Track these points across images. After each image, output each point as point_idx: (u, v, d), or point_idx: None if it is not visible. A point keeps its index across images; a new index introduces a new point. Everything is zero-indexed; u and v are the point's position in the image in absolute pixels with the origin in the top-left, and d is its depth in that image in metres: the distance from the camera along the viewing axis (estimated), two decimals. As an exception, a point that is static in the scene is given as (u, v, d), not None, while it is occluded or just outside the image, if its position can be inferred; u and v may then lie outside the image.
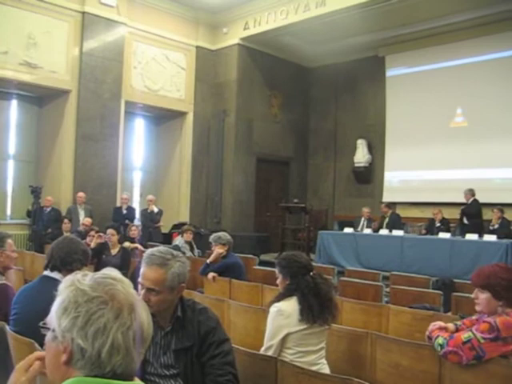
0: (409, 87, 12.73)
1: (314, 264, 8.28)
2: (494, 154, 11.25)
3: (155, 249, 2.46)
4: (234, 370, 2.36)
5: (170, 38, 12.61)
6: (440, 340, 2.80)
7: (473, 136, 11.56)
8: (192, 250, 8.44)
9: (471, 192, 10.06)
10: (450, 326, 3.01)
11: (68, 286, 1.25)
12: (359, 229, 10.97)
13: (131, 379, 1.23)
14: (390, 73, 13.20)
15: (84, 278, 1.27)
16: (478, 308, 2.88)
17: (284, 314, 3.05)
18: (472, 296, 2.93)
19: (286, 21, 11.87)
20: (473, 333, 2.69)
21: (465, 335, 2.72)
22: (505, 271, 2.83)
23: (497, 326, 2.65)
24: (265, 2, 12.10)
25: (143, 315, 1.27)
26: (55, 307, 1.24)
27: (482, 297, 2.82)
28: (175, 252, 2.44)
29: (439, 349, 2.78)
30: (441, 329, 2.92)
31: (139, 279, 2.37)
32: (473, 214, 9.89)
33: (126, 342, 1.20)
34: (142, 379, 2.06)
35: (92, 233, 7.42)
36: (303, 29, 12.13)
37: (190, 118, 13.09)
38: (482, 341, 2.64)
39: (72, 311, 1.20)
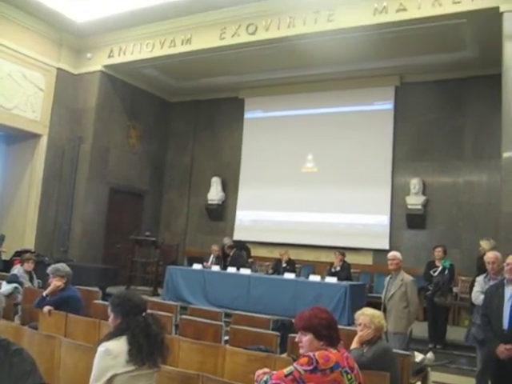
0: (265, 130, 13.24)
1: (157, 300, 8.18)
2: (340, 200, 11.93)
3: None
4: None
5: (29, 55, 12.03)
6: (264, 378, 2.91)
7: (322, 182, 12.20)
8: (31, 280, 8.02)
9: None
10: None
11: None
12: (208, 265, 11.00)
13: None
14: (248, 115, 13.65)
15: None
16: (301, 351, 3.03)
17: (112, 353, 2.95)
18: (296, 340, 3.09)
19: (151, 54, 11.88)
20: (294, 366, 2.83)
21: (287, 369, 2.84)
22: (323, 312, 3.04)
23: (315, 358, 2.80)
24: (131, 33, 12.01)
25: None
26: None
27: (304, 339, 2.99)
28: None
29: None
30: (265, 373, 3.01)
31: None
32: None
33: None
34: None
35: None
36: (168, 63, 12.23)
37: (43, 141, 12.52)
38: (303, 372, 2.77)
39: None
